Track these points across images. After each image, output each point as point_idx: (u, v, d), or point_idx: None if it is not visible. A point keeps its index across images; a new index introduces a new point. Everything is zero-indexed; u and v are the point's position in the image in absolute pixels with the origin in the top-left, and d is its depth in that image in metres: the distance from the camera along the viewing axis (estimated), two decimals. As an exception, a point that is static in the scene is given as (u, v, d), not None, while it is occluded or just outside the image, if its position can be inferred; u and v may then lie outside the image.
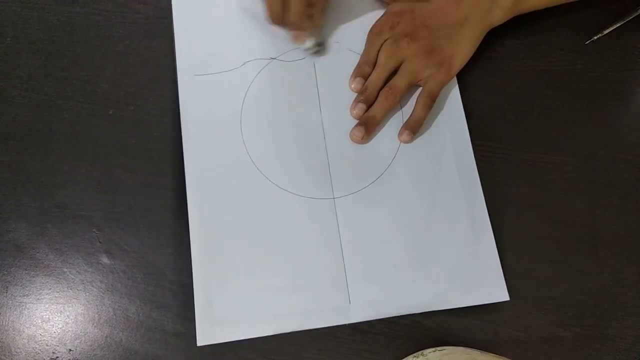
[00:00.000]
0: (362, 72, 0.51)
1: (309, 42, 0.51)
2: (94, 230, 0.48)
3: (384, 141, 0.50)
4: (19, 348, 0.45)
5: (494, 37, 0.53)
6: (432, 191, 0.48)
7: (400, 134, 0.49)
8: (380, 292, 0.46)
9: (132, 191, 0.48)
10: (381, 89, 0.50)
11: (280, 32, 0.51)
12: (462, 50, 0.51)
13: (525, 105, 0.52)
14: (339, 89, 0.51)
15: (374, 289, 0.46)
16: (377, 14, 0.53)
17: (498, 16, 0.51)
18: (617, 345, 0.45)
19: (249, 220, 0.47)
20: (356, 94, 0.51)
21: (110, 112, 0.51)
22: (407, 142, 0.49)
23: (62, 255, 0.47)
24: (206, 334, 0.44)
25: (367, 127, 0.49)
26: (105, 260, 0.47)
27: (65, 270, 0.47)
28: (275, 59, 0.52)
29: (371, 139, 0.50)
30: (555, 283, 0.47)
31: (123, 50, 0.53)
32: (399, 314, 0.45)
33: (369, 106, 0.50)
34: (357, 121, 0.50)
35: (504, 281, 0.46)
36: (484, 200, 0.48)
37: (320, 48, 0.52)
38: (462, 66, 0.51)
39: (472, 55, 0.51)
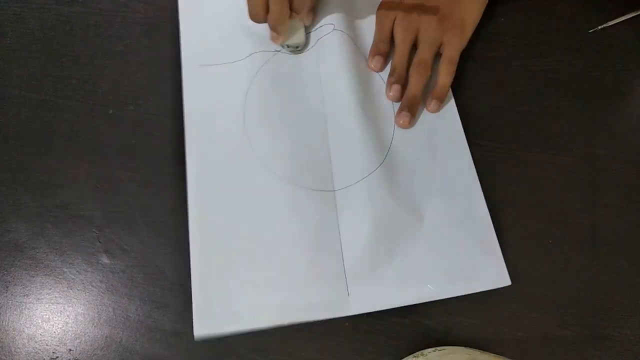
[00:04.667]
0: (379, 50, 0.52)
1: (288, 42, 0.51)
2: (94, 230, 0.48)
3: (380, 130, 0.50)
4: (19, 348, 0.45)
5: (494, 36, 0.53)
6: (429, 180, 0.48)
7: (427, 103, 0.50)
8: (379, 284, 0.45)
9: (132, 191, 0.48)
10: (406, 64, 0.51)
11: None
12: (472, 12, 0.52)
13: (525, 105, 0.52)
14: (340, 78, 0.51)
15: (373, 281, 0.45)
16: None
17: None
18: (617, 345, 0.45)
19: (249, 210, 0.47)
20: (386, 76, 0.51)
21: (110, 112, 0.51)
22: (434, 112, 0.50)
23: (62, 255, 0.47)
24: (203, 326, 0.44)
25: (411, 109, 0.49)
26: (105, 260, 0.47)
27: (65, 270, 0.47)
28: (280, 51, 0.52)
29: (415, 122, 0.50)
30: (555, 283, 0.47)
31: (123, 50, 0.53)
32: (398, 305, 0.45)
33: (403, 85, 0.50)
34: (359, 107, 0.50)
35: (504, 266, 0.45)
36: (480, 188, 0.48)
37: (296, 50, 0.52)
38: (474, 28, 0.52)
39: (481, 16, 0.52)
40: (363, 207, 0.47)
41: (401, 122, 0.49)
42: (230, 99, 0.50)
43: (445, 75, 0.50)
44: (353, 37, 0.53)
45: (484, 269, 0.46)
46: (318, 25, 0.53)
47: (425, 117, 0.51)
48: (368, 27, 0.54)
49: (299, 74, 0.52)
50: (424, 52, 0.50)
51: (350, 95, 0.50)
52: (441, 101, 0.50)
